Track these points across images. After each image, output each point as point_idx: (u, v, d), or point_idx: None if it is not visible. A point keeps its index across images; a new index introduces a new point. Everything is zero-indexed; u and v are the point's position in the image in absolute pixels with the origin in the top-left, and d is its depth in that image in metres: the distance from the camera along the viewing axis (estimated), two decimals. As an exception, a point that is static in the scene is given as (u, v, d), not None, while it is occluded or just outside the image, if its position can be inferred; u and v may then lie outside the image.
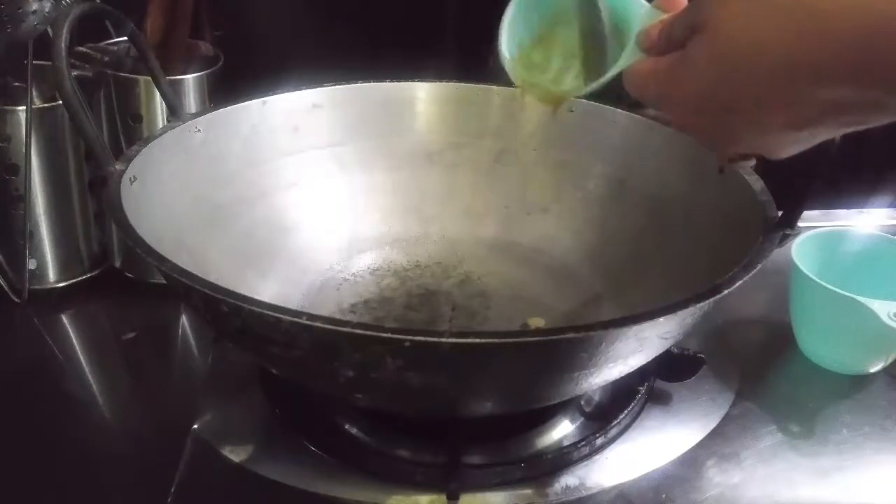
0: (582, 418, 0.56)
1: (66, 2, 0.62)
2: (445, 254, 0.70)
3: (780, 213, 0.51)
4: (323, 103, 0.69)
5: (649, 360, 0.49)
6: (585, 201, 0.69)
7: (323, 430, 0.54)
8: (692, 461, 0.54)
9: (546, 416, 0.55)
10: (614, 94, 0.47)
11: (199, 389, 0.58)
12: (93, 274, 0.74)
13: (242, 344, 0.49)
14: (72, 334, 0.68)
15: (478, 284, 0.67)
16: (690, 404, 0.59)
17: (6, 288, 0.70)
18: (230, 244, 0.61)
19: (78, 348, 0.67)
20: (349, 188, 0.70)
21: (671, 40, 0.39)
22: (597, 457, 0.53)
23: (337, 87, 0.69)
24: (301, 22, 0.84)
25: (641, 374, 0.55)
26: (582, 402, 0.57)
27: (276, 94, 0.67)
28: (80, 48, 0.72)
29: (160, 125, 0.68)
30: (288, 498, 0.50)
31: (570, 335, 0.40)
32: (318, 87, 0.69)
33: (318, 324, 0.39)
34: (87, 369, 0.64)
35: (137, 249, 0.45)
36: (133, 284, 0.73)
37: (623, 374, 0.48)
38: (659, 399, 0.59)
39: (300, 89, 0.68)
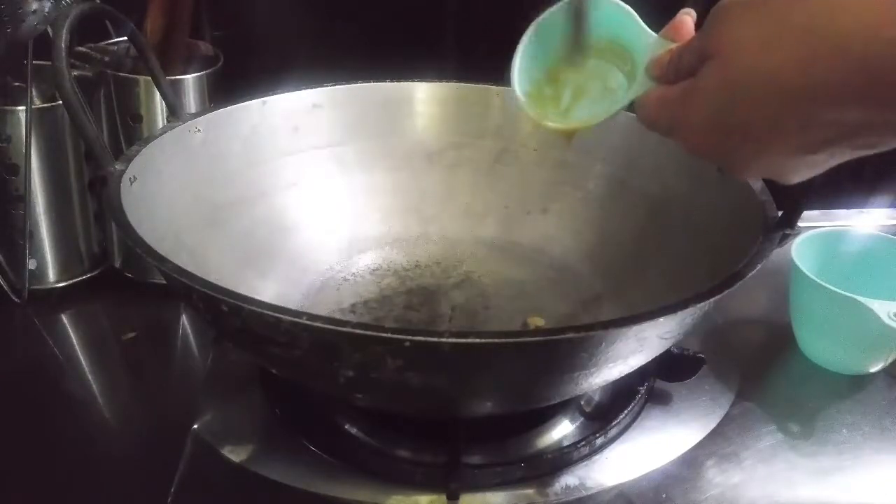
0: (582, 418, 0.56)
1: (66, 2, 0.62)
2: (445, 254, 0.70)
3: (780, 213, 0.51)
4: (323, 103, 0.69)
5: (649, 360, 0.49)
6: (585, 201, 0.69)
7: (323, 430, 0.54)
8: (692, 461, 0.54)
9: (546, 416, 0.55)
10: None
11: (199, 389, 0.58)
12: (93, 274, 0.74)
13: (242, 344, 0.49)
14: (72, 334, 0.68)
15: (478, 284, 0.67)
16: (690, 404, 0.59)
17: (6, 288, 0.70)
18: (230, 244, 0.61)
19: (78, 348, 0.67)
20: (349, 188, 0.70)
21: (681, 68, 0.40)
22: (597, 457, 0.53)
23: (337, 87, 0.69)
24: (301, 22, 0.84)
25: (641, 374, 0.55)
26: (582, 402, 0.57)
27: (276, 94, 0.67)
28: (80, 48, 0.72)
29: (160, 125, 0.68)
30: (288, 498, 0.50)
31: (570, 335, 0.40)
32: (318, 87, 0.69)
33: (318, 324, 0.39)
34: (87, 369, 0.64)
35: (137, 249, 0.45)
36: (133, 284, 0.73)
37: (623, 374, 0.48)
38: (659, 399, 0.59)
39: (300, 89, 0.68)
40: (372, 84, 0.71)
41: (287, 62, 0.78)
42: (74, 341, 0.68)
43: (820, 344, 0.64)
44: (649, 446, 0.55)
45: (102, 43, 0.74)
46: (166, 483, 0.50)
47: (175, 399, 0.60)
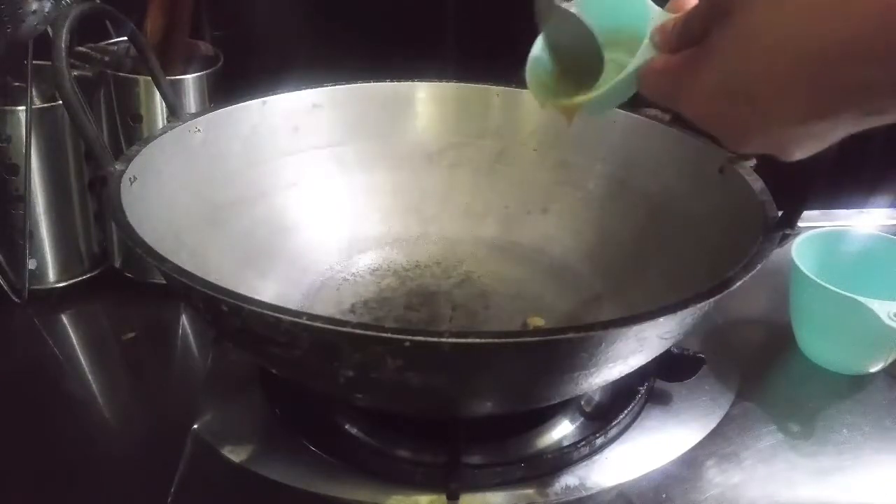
0: (582, 418, 0.56)
1: (66, 2, 0.62)
2: (445, 254, 0.70)
3: (780, 213, 0.51)
4: (323, 103, 0.69)
5: (649, 360, 0.49)
6: (585, 201, 0.69)
7: (323, 430, 0.54)
8: (692, 461, 0.54)
9: (546, 416, 0.55)
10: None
11: (199, 389, 0.58)
12: (93, 274, 0.74)
13: (242, 344, 0.49)
14: (72, 334, 0.68)
15: (478, 284, 0.67)
16: (690, 404, 0.59)
17: (6, 288, 0.70)
18: (230, 244, 0.61)
19: (78, 348, 0.67)
20: (349, 188, 0.70)
21: (685, 34, 0.39)
22: (597, 457, 0.53)
23: (337, 87, 0.69)
24: (301, 22, 0.84)
25: (641, 374, 0.55)
26: (582, 402, 0.57)
27: (276, 94, 0.67)
28: (80, 48, 0.72)
29: (160, 125, 0.68)
30: (288, 498, 0.50)
31: (570, 335, 0.40)
32: (318, 87, 0.69)
33: (318, 324, 0.39)
34: (87, 369, 0.64)
35: (137, 249, 0.45)
36: (133, 284, 0.73)
37: (623, 374, 0.48)
38: (659, 399, 0.59)
39: (300, 89, 0.68)
40: (372, 84, 0.71)
41: (287, 62, 0.78)
42: (74, 341, 0.68)
43: (820, 344, 0.64)
44: (649, 446, 0.55)
45: (102, 43, 0.74)
46: (166, 483, 0.50)
47: (175, 399, 0.60)
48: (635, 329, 0.42)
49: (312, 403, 0.55)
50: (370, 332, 0.39)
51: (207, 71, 0.71)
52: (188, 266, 0.44)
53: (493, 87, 0.71)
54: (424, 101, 0.72)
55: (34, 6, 0.61)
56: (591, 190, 0.69)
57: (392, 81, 0.71)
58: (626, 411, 0.55)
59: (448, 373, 0.42)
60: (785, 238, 0.50)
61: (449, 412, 0.50)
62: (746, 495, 0.52)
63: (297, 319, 0.40)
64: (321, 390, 0.53)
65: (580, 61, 0.46)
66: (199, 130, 0.61)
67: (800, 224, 0.50)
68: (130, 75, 0.69)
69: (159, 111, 0.69)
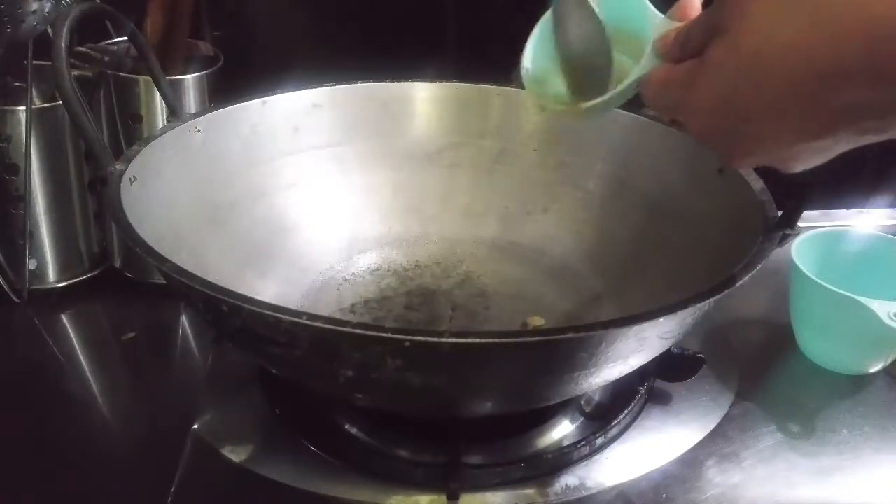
0: (582, 418, 0.56)
1: (66, 2, 0.62)
2: (445, 254, 0.70)
3: (780, 213, 0.51)
4: (323, 103, 0.69)
5: (649, 360, 0.49)
6: (585, 201, 0.69)
7: (323, 430, 0.54)
8: (692, 461, 0.54)
9: (546, 416, 0.55)
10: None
11: (199, 389, 0.58)
12: (93, 274, 0.74)
13: (242, 344, 0.49)
14: (72, 334, 0.68)
15: (478, 284, 0.67)
16: (690, 404, 0.59)
17: (6, 288, 0.70)
18: (230, 244, 0.61)
19: (78, 348, 0.67)
20: (349, 188, 0.70)
21: (687, 45, 0.39)
22: (597, 457, 0.53)
23: (337, 87, 0.69)
24: (301, 22, 0.84)
25: (641, 374, 0.55)
26: (582, 402, 0.57)
27: (276, 94, 0.67)
28: (80, 48, 0.72)
29: (160, 125, 0.68)
30: (288, 498, 0.50)
31: (570, 335, 0.40)
32: (318, 87, 0.69)
33: (318, 324, 0.39)
34: (87, 369, 0.64)
35: (137, 249, 0.45)
36: (133, 284, 0.74)
37: (623, 374, 0.48)
38: (659, 399, 0.59)
39: (300, 89, 0.68)
40: (372, 84, 0.71)
41: (287, 62, 0.78)
42: (74, 341, 0.68)
43: (820, 344, 0.64)
44: (649, 446, 0.55)
45: (102, 43, 0.74)
46: (166, 483, 0.50)
47: (175, 399, 0.60)
48: (635, 329, 0.42)
49: (312, 403, 0.55)
50: (370, 332, 0.39)
51: (207, 71, 0.71)
52: (188, 266, 0.44)
53: (493, 87, 0.71)
54: (424, 101, 0.72)
55: (34, 6, 0.61)
56: (591, 190, 0.69)
57: (392, 81, 0.71)
58: (626, 411, 0.55)
59: (448, 373, 0.42)
60: (785, 238, 0.50)
61: (449, 412, 0.50)
62: (746, 495, 0.52)
63: (297, 319, 0.40)
64: (321, 390, 0.53)
65: (589, 60, 0.46)
66: (199, 130, 0.61)
67: (800, 224, 0.50)
68: (130, 75, 0.69)
69: (159, 111, 0.69)
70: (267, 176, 0.66)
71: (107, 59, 0.72)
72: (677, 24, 0.41)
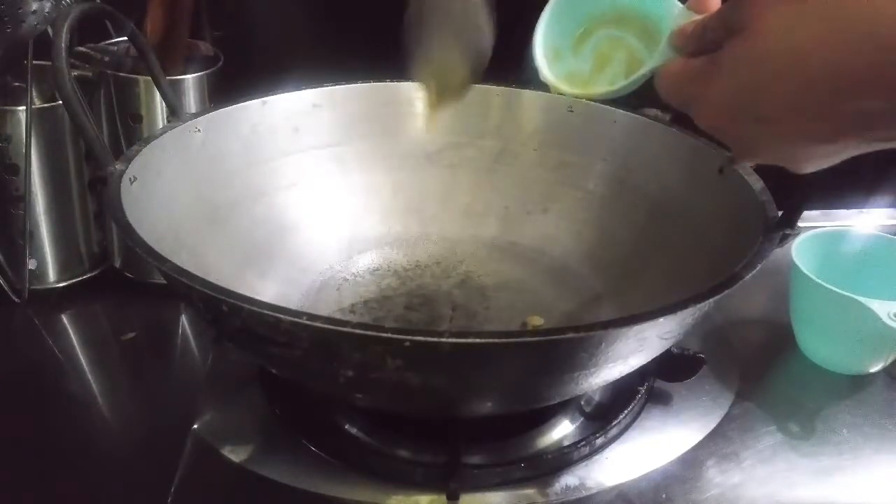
0: (582, 418, 0.56)
1: (66, 2, 0.62)
2: (445, 254, 0.70)
3: (780, 213, 0.51)
4: (323, 103, 0.69)
5: (649, 360, 0.49)
6: (585, 201, 0.69)
7: (323, 430, 0.54)
8: (692, 461, 0.54)
9: (546, 416, 0.55)
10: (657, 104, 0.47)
11: (199, 389, 0.58)
12: (93, 274, 0.74)
13: (242, 344, 0.49)
14: (72, 334, 0.68)
15: (478, 284, 0.67)
16: (690, 404, 0.59)
17: (6, 288, 0.70)
18: (230, 244, 0.61)
19: (78, 348, 0.67)
20: (349, 188, 0.70)
21: (704, 40, 0.39)
22: (597, 457, 0.53)
23: (337, 87, 0.69)
24: (301, 22, 0.84)
25: (641, 374, 0.55)
26: (582, 402, 0.57)
27: (276, 94, 0.67)
28: (80, 48, 0.72)
29: (160, 125, 0.68)
30: (288, 498, 0.50)
31: (570, 335, 0.40)
32: (318, 87, 0.69)
33: (318, 324, 0.39)
34: (87, 369, 0.64)
35: (137, 249, 0.45)
36: (133, 284, 0.74)
37: (623, 374, 0.48)
38: (659, 399, 0.59)
39: (300, 89, 0.68)
40: (372, 84, 0.71)
41: (287, 62, 0.78)
42: (74, 341, 0.68)
43: (820, 344, 0.64)
44: (649, 446, 0.55)
45: (102, 43, 0.74)
46: (166, 483, 0.50)
47: (175, 399, 0.60)
48: (635, 329, 0.42)
49: (312, 403, 0.55)
50: (370, 332, 0.39)
51: (207, 71, 0.71)
52: (188, 266, 0.44)
53: (493, 87, 0.71)
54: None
55: (34, 6, 0.61)
56: (591, 190, 0.69)
57: (392, 81, 0.71)
58: (626, 411, 0.55)
59: (448, 373, 0.42)
60: (785, 238, 0.50)
61: (449, 412, 0.50)
62: (746, 495, 0.52)
63: (297, 319, 0.40)
64: (321, 390, 0.53)
65: None
66: (199, 130, 0.61)
67: (800, 224, 0.50)
68: (130, 75, 0.69)
69: (159, 111, 0.69)
70: (267, 176, 0.66)
71: (107, 59, 0.72)
72: (695, 17, 0.41)
